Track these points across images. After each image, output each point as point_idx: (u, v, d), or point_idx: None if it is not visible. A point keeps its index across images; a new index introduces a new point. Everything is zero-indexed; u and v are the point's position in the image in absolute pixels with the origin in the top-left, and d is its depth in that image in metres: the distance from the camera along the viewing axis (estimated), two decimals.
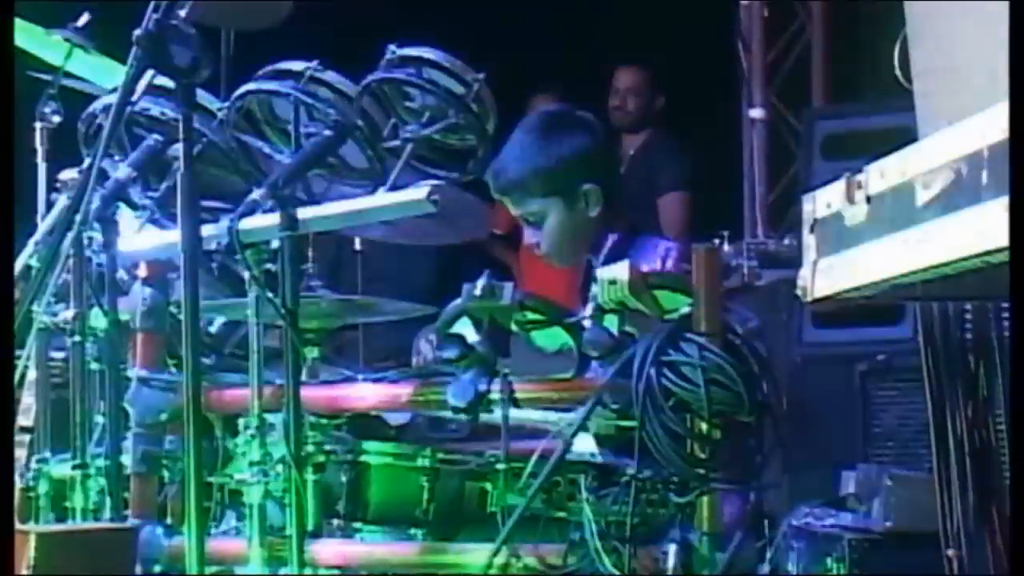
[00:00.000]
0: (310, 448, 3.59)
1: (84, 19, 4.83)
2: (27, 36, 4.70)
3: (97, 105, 4.02)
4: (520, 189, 4.24)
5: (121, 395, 3.83)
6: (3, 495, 2.93)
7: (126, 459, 3.82)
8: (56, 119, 4.80)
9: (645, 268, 4.00)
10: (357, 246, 5.87)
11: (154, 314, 3.92)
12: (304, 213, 3.56)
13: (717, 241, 5.62)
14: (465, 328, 3.50)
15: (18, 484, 4.00)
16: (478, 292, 3.43)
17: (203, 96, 3.72)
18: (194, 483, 3.10)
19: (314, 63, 3.70)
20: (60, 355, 4.12)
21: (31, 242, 4.16)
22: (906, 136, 2.25)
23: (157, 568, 3.78)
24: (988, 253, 1.93)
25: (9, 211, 3.25)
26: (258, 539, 3.51)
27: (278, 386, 3.54)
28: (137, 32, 3.20)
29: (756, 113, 7.78)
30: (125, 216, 3.92)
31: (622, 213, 4.31)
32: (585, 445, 3.45)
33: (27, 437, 4.12)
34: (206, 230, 3.41)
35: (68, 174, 4.15)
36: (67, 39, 4.82)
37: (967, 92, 2.26)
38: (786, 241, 6.43)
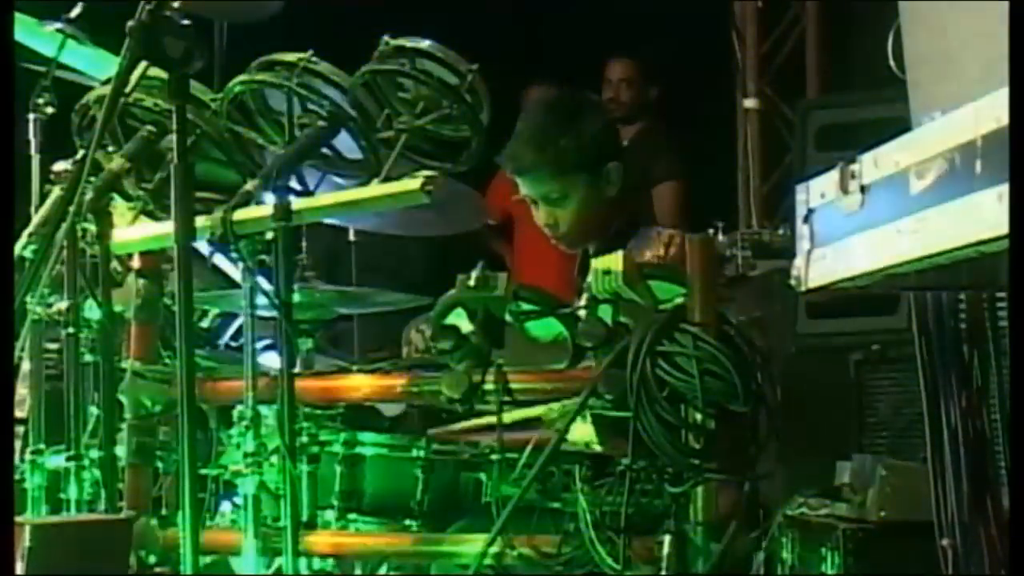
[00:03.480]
0: (304, 439, 3.59)
1: (77, 10, 4.83)
2: (21, 27, 4.69)
3: (91, 96, 4.01)
4: (543, 169, 4.22)
5: (115, 387, 3.83)
6: (3, 489, 2.92)
7: (121, 451, 3.82)
8: (50, 110, 4.79)
9: (648, 255, 4.02)
10: (351, 237, 5.86)
11: (148, 306, 3.92)
12: (298, 204, 3.56)
13: (711, 231, 5.61)
14: (459, 319, 3.50)
15: None
16: (472, 283, 3.43)
17: (197, 87, 3.71)
18: (188, 474, 3.10)
19: (308, 54, 3.69)
20: (54, 346, 4.11)
21: (25, 233, 4.15)
22: (900, 126, 2.25)
23: (152, 559, 3.78)
24: (982, 242, 1.93)
25: (9, 204, 3.25)
26: (252, 530, 3.51)
27: (272, 377, 3.54)
28: (130, 23, 3.19)
29: (750, 103, 7.76)
30: (119, 207, 3.92)
31: (630, 197, 4.34)
32: (580, 435, 3.45)
33: (21, 429, 4.11)
34: (200, 221, 3.41)
35: (62, 165, 4.14)
36: (60, 30, 4.82)
37: (960, 81, 2.26)
38: (780, 231, 6.41)
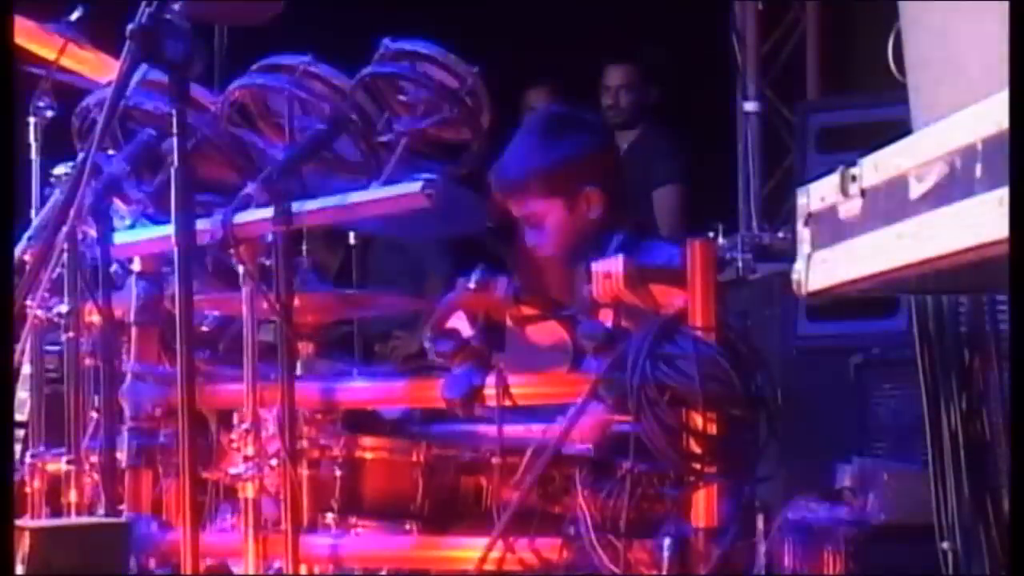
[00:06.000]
0: (304, 443, 3.59)
1: (78, 14, 4.82)
2: (21, 30, 4.69)
3: (91, 99, 4.01)
4: (521, 190, 4.17)
5: (115, 389, 3.82)
6: (2, 492, 2.92)
7: (120, 454, 3.82)
8: (50, 113, 4.79)
9: None
10: (352, 240, 5.86)
11: (148, 308, 3.92)
12: (298, 207, 3.56)
13: (712, 234, 5.61)
14: (460, 322, 3.49)
15: None
16: (473, 286, 3.43)
17: (197, 90, 3.71)
18: (188, 478, 3.10)
19: (308, 57, 3.69)
20: (54, 349, 4.11)
21: (25, 236, 4.15)
22: (900, 129, 2.24)
23: (151, 563, 3.78)
24: (982, 246, 1.92)
25: (9, 207, 3.25)
26: (252, 534, 3.50)
27: (273, 381, 3.54)
28: (131, 26, 3.20)
29: (750, 106, 7.75)
30: (119, 210, 3.91)
31: (625, 215, 4.26)
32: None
33: (21, 432, 4.11)
34: (200, 224, 3.41)
35: (62, 168, 4.14)
36: (61, 34, 4.81)
37: (961, 85, 2.26)
38: (781, 234, 6.42)
